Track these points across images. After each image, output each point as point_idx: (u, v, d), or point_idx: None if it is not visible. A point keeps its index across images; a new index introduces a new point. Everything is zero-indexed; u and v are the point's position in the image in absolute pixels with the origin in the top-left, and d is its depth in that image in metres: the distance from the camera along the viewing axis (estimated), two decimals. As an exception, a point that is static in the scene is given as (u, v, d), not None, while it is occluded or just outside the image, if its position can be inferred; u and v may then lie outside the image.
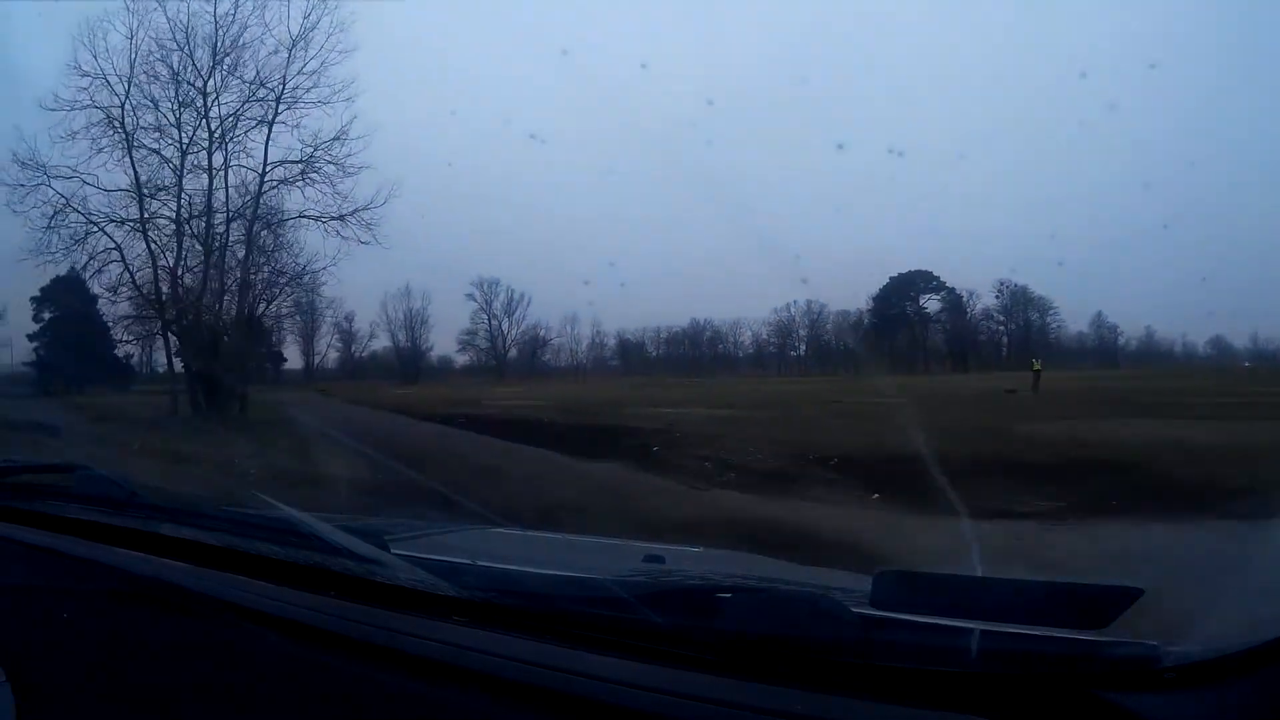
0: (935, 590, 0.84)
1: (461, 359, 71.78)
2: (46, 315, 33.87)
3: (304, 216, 18.21)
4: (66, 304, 28.42)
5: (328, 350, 68.56)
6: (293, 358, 66.13)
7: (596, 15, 65.90)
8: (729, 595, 0.87)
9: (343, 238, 17.77)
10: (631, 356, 71.54)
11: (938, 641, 0.76)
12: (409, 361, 68.84)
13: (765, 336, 68.35)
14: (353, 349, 72.21)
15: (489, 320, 71.19)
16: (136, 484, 1.51)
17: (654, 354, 72.55)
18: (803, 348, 67.25)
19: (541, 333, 71.62)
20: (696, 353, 70.14)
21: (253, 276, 19.53)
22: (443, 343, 74.61)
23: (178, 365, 19.12)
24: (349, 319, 68.35)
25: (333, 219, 17.71)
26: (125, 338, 22.71)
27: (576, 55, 59.93)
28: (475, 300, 69.96)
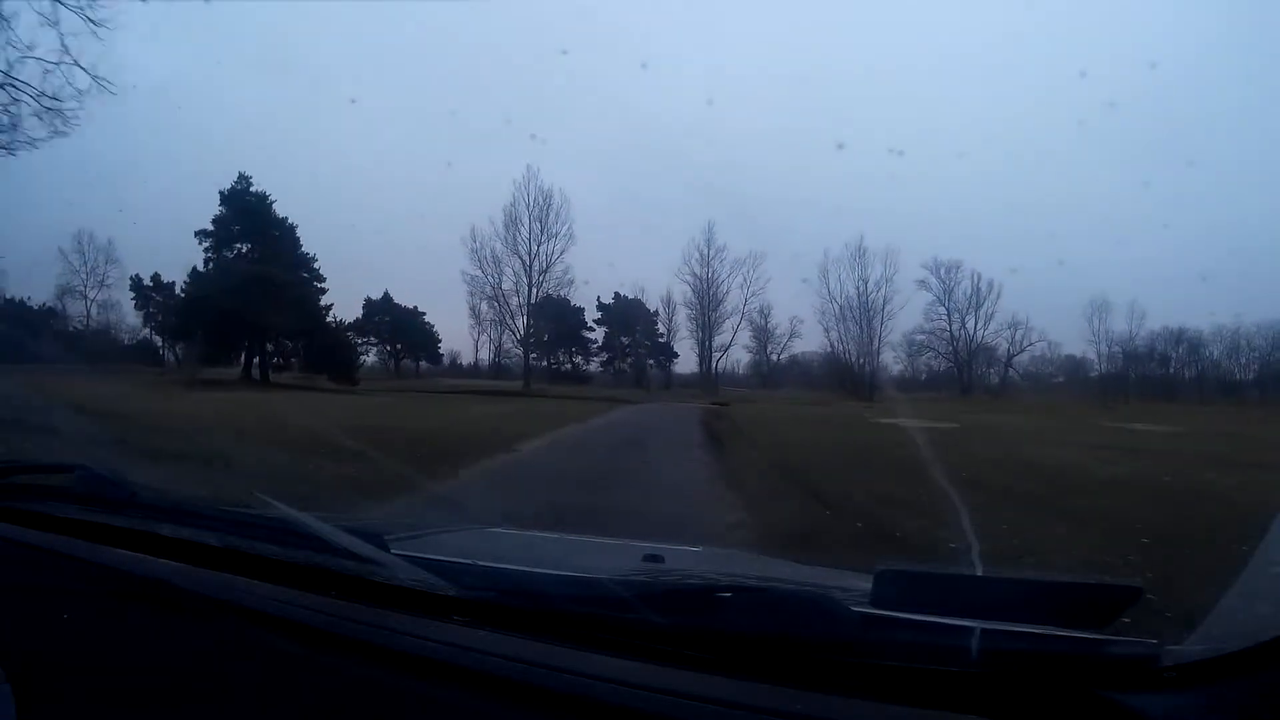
0: (935, 589, 0.84)
1: (901, 366, 48.88)
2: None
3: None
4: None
5: (730, 347, 50.07)
6: (689, 358, 51.10)
7: (596, 15, 65.04)
8: (729, 595, 0.87)
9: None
10: (1081, 372, 49.76)
11: (938, 640, 0.76)
12: (842, 367, 45.72)
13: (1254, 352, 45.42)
14: (768, 349, 52.27)
15: (948, 316, 46.96)
16: (136, 484, 1.51)
17: (1099, 369, 49.49)
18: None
19: (1019, 333, 46.79)
20: (1163, 370, 46.51)
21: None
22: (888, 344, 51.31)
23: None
24: (764, 314, 50.25)
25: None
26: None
27: (576, 55, 59.57)
28: (929, 289, 47.29)
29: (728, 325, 53.66)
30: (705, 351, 53.80)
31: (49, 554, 1.22)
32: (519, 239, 48.51)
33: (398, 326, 56.00)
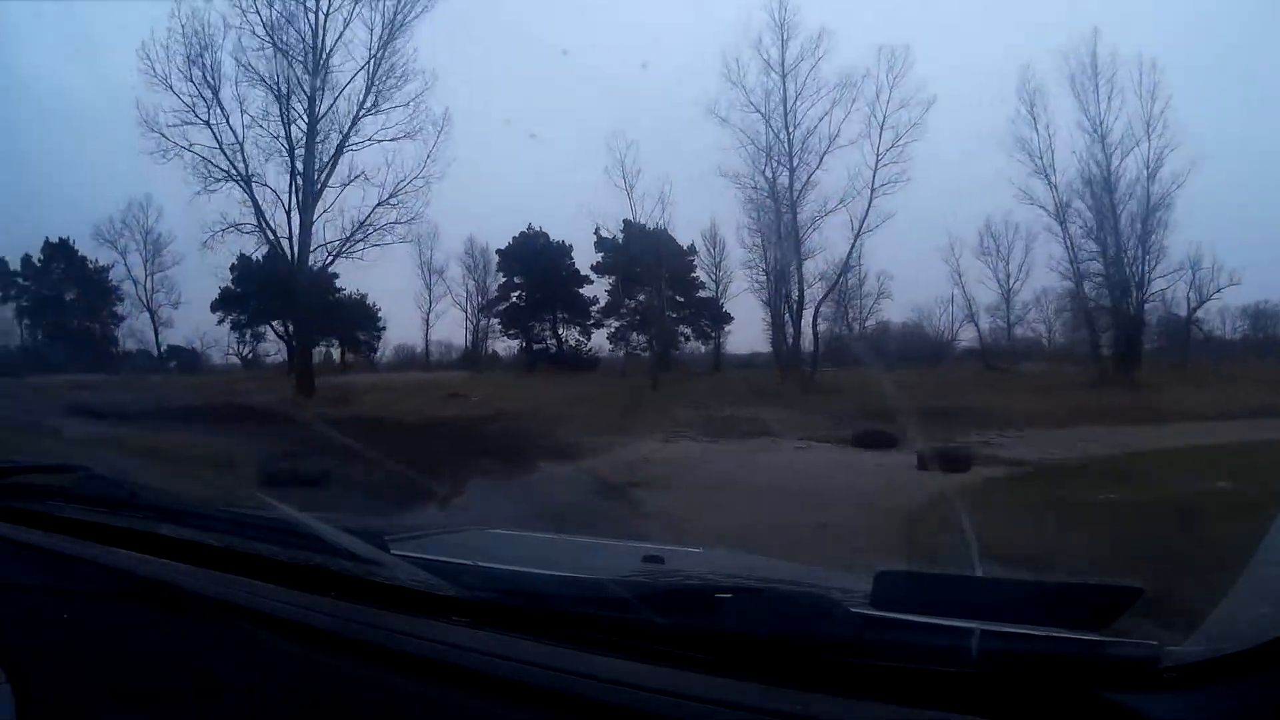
0: (935, 590, 0.84)
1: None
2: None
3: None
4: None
5: (813, 315, 27.92)
6: (749, 324, 30.28)
7: (596, 15, 64.58)
8: (729, 595, 0.87)
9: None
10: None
11: (938, 641, 0.76)
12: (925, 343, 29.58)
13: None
14: (848, 315, 32.98)
15: (1101, 253, 25.31)
16: (136, 484, 1.51)
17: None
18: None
19: (1199, 274, 28.69)
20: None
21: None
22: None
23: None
24: (852, 269, 28.81)
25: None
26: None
27: (576, 55, 59.15)
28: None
29: (831, 232, 23.95)
30: (782, 295, 24.12)
31: (49, 554, 1.22)
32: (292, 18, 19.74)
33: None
